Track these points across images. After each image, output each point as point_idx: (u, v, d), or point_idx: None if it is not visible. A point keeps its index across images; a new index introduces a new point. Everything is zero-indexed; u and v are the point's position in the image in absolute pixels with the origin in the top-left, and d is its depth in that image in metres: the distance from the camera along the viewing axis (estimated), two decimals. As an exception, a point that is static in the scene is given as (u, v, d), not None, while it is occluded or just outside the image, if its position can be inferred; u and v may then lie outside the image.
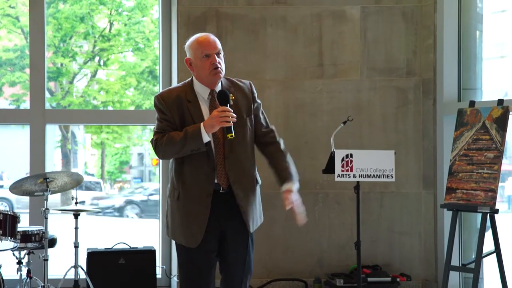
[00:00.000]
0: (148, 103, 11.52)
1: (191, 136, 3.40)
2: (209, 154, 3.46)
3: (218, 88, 3.56)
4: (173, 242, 5.83)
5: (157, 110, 3.54)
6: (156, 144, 3.50)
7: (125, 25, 11.88)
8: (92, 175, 18.87)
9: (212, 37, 3.55)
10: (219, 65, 3.49)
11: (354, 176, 4.70)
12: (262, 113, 3.71)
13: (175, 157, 3.52)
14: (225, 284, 3.63)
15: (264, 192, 5.70)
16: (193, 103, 3.51)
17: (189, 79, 3.62)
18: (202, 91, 3.54)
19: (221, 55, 3.54)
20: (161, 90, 6.01)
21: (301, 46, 5.83)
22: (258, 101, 3.68)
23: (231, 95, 3.54)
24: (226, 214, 3.52)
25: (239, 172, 3.54)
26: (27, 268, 4.90)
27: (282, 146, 3.72)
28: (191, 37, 3.60)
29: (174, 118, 3.49)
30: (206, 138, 3.41)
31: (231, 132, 3.39)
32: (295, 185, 3.61)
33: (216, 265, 3.64)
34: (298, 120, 5.81)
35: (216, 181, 3.48)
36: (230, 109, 3.41)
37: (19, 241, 4.67)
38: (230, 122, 3.37)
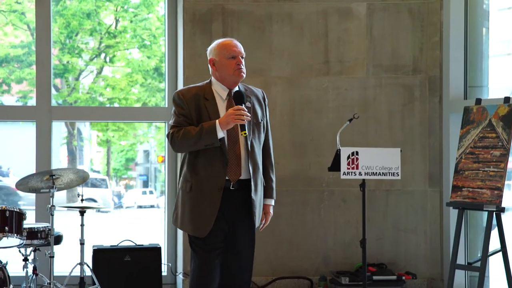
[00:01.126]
0: (154, 100, 11.53)
1: (207, 131, 3.59)
2: (223, 149, 3.64)
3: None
4: (179, 239, 5.85)
5: (175, 105, 3.74)
6: (172, 137, 3.67)
7: (131, 21, 11.88)
8: (98, 172, 18.90)
9: (237, 41, 3.83)
10: (242, 67, 3.73)
11: (360, 174, 4.69)
12: (268, 122, 3.92)
13: (189, 151, 3.69)
14: (230, 279, 3.73)
15: (269, 190, 5.70)
16: (211, 101, 3.71)
17: (208, 80, 3.81)
18: (220, 91, 3.75)
19: (244, 60, 3.77)
20: (167, 87, 6.07)
21: (307, 43, 5.82)
22: (267, 109, 3.91)
23: (248, 98, 3.75)
24: (235, 211, 3.69)
25: (255, 169, 3.73)
26: (33, 265, 4.90)
27: (273, 160, 3.95)
28: (216, 41, 3.84)
29: (191, 114, 3.69)
30: (220, 134, 3.60)
31: (245, 130, 3.59)
32: (273, 201, 3.94)
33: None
34: (304, 117, 5.80)
35: (227, 177, 3.64)
36: (245, 108, 3.61)
37: (25, 238, 4.67)
38: (244, 120, 3.57)
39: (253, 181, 3.70)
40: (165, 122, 5.98)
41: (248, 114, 3.61)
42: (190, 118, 3.67)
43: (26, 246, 4.81)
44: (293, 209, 5.78)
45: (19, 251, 4.89)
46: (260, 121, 3.78)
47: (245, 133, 3.59)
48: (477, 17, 5.75)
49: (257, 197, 3.75)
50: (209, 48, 3.82)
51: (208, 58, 3.79)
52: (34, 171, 5.62)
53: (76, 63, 12.58)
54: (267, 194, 3.87)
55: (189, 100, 3.69)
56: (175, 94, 3.76)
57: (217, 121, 3.59)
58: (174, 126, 3.69)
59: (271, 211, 3.91)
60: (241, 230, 3.72)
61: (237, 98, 3.67)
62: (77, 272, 5.08)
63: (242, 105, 3.62)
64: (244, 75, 3.74)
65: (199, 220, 3.65)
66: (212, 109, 3.67)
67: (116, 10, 11.99)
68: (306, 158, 5.80)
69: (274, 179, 3.92)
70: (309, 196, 5.80)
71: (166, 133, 3.74)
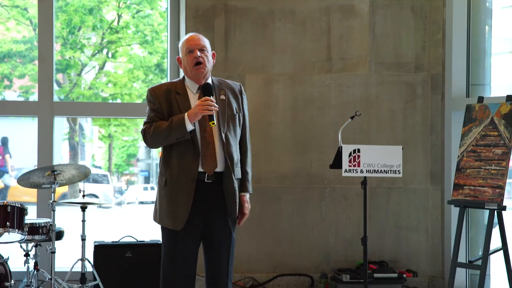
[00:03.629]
0: (156, 96, 11.49)
1: (176, 125, 3.64)
2: (194, 142, 3.69)
3: None
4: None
5: (148, 102, 3.83)
6: (145, 133, 3.76)
7: (133, 17, 11.88)
8: (100, 167, 18.92)
9: (198, 35, 3.84)
10: (201, 59, 3.74)
11: (362, 171, 4.69)
12: (246, 115, 3.95)
13: (164, 147, 3.76)
14: (209, 272, 3.81)
15: (270, 186, 5.76)
16: (182, 96, 3.78)
17: (182, 77, 3.89)
18: (191, 86, 3.81)
19: (206, 52, 3.79)
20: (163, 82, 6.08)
21: (310, 40, 5.81)
22: (246, 102, 3.94)
23: (222, 91, 3.81)
24: (211, 202, 3.73)
25: (231, 161, 3.75)
26: (34, 260, 4.90)
27: (249, 153, 3.96)
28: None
29: (162, 109, 3.75)
30: (189, 126, 3.64)
31: (213, 120, 3.63)
32: (248, 195, 3.93)
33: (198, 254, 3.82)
34: (306, 115, 5.80)
35: (201, 168, 3.69)
36: (213, 99, 3.65)
37: (26, 233, 4.67)
38: (212, 111, 3.61)
39: (229, 172, 3.72)
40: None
41: (216, 105, 3.64)
42: (161, 113, 3.74)
43: (27, 241, 4.80)
44: (294, 206, 5.78)
45: (21, 246, 4.89)
46: (235, 113, 3.82)
47: (214, 123, 3.62)
48: (480, 15, 5.74)
49: (234, 189, 3.76)
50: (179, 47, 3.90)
51: (177, 57, 3.89)
52: (35, 167, 5.63)
53: (78, 59, 12.58)
54: (243, 188, 3.87)
55: (160, 95, 3.76)
56: (147, 91, 3.84)
57: (185, 113, 3.64)
58: (147, 122, 3.77)
59: (247, 204, 3.87)
60: (218, 223, 3.76)
61: (204, 90, 3.72)
62: (78, 267, 5.08)
63: (210, 97, 3.66)
64: (205, 70, 3.76)
65: (175, 212, 3.69)
66: (183, 103, 3.73)
67: (119, 6, 11.98)
68: (308, 155, 5.80)
69: (250, 172, 3.92)
70: (310, 193, 5.80)
71: (140, 130, 3.83)
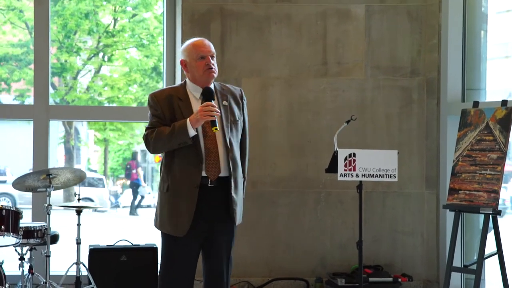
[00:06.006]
0: (152, 100, 11.48)
1: (178, 130, 3.63)
2: (197, 147, 3.67)
3: None
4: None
5: (150, 107, 3.81)
6: (147, 139, 3.74)
7: (129, 21, 11.88)
8: (95, 171, 18.88)
9: (207, 41, 3.83)
10: (213, 66, 3.75)
11: (357, 175, 4.69)
12: (246, 122, 3.93)
13: (166, 152, 3.75)
14: (208, 277, 3.81)
15: (266, 190, 5.76)
16: (184, 101, 3.75)
17: (183, 81, 3.87)
18: (194, 91, 3.78)
19: (215, 58, 3.79)
20: (164, 87, 6.07)
21: (305, 44, 5.82)
22: (246, 108, 3.93)
23: (224, 96, 3.79)
24: (214, 207, 3.72)
25: (235, 166, 3.75)
26: (29, 264, 4.89)
27: (247, 160, 3.94)
28: (186, 41, 3.87)
29: (164, 114, 3.74)
30: (192, 132, 3.62)
31: (215, 126, 3.59)
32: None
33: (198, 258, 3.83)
34: (302, 119, 5.80)
35: (204, 173, 3.67)
36: (214, 104, 3.63)
37: (21, 237, 4.66)
38: (214, 116, 3.59)
39: (233, 178, 3.71)
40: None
41: (218, 110, 3.63)
42: (164, 119, 3.72)
43: (22, 245, 4.79)
44: (290, 210, 5.78)
45: (15, 250, 4.88)
46: (237, 119, 3.80)
47: (216, 129, 3.58)
48: (475, 19, 5.76)
49: (238, 194, 3.76)
50: (181, 49, 3.85)
51: (180, 60, 3.84)
52: (31, 170, 5.62)
53: (74, 62, 12.58)
54: None
55: (162, 101, 3.74)
56: (148, 97, 3.82)
57: (187, 119, 3.62)
58: (148, 128, 3.76)
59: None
60: (220, 228, 3.75)
61: (206, 95, 3.69)
62: (73, 271, 5.08)
63: (211, 101, 3.64)
64: (215, 74, 3.77)
65: (178, 219, 3.68)
66: (186, 109, 3.71)
67: (115, 10, 11.99)
68: (303, 159, 5.80)
69: (245, 177, 3.91)
70: (306, 197, 5.80)
71: (142, 135, 3.82)
